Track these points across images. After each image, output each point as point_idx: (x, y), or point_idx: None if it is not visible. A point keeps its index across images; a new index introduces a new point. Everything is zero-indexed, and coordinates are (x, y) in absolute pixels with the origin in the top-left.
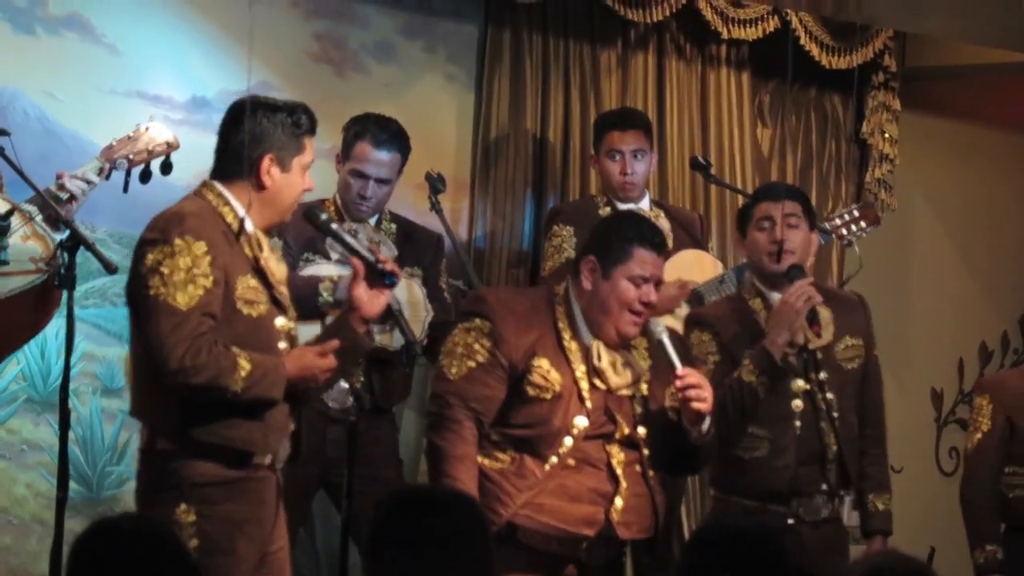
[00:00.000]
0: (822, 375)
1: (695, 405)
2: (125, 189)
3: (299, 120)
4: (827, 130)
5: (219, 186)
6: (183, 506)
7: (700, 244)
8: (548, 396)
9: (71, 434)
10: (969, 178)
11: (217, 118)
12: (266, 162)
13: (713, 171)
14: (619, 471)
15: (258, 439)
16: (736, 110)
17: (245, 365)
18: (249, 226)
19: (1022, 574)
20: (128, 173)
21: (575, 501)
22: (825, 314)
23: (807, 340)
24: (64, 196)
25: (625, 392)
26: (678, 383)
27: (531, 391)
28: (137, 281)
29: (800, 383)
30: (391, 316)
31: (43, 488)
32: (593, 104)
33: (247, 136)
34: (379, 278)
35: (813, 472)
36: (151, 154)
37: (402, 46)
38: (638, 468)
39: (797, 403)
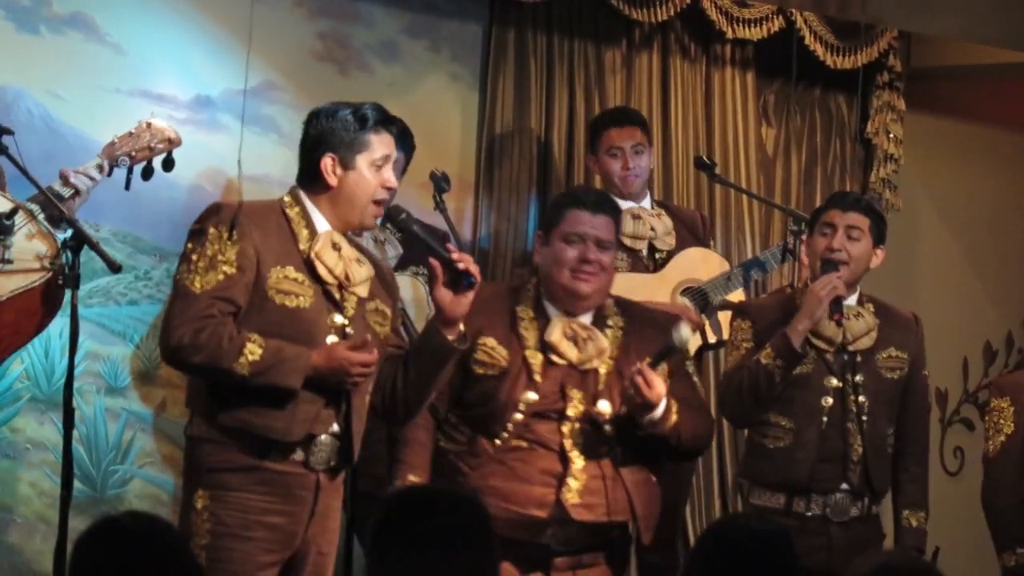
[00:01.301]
0: (858, 378)
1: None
2: (127, 186)
3: (363, 116)
4: (832, 130)
5: (298, 189)
6: (200, 491)
7: (703, 243)
8: (494, 372)
9: (75, 433)
10: (974, 178)
11: (221, 117)
12: (327, 161)
13: (718, 171)
14: (572, 453)
15: (280, 427)
16: (740, 110)
17: (255, 350)
18: (322, 226)
19: None
20: (130, 170)
21: (525, 482)
22: (870, 320)
23: (845, 341)
24: (67, 192)
25: (588, 366)
26: (631, 371)
27: (477, 369)
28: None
29: (834, 381)
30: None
31: (47, 487)
32: (597, 103)
33: (310, 140)
34: (457, 278)
35: (834, 470)
36: (152, 151)
37: (406, 45)
38: (603, 449)
39: (827, 400)
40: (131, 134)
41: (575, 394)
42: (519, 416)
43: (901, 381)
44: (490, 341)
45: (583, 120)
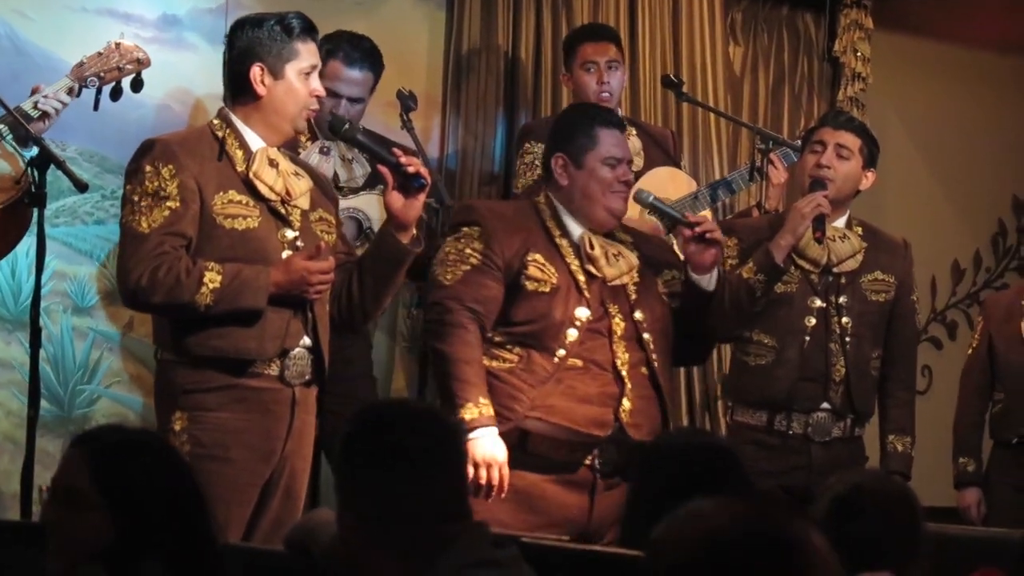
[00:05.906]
0: (842, 299)
1: (712, 235)
2: (95, 107)
3: (288, 25)
4: (799, 48)
5: (226, 110)
6: (177, 413)
7: (673, 161)
8: (547, 289)
9: (42, 352)
10: (942, 97)
11: (188, 36)
12: (255, 71)
13: (685, 89)
14: (624, 372)
15: (252, 347)
16: (708, 28)
17: (214, 278)
18: (255, 143)
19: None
20: (99, 91)
21: (584, 403)
22: (856, 243)
23: (830, 262)
24: (36, 114)
25: (619, 282)
26: (697, 229)
27: (530, 285)
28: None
29: (818, 302)
30: (362, 234)
31: (14, 407)
32: (565, 21)
33: (236, 52)
34: (407, 181)
35: (815, 389)
36: (121, 72)
37: None
38: (644, 370)
39: (811, 320)
40: (100, 55)
41: (613, 309)
42: (575, 333)
43: (887, 304)
44: (539, 257)
45: (550, 38)
